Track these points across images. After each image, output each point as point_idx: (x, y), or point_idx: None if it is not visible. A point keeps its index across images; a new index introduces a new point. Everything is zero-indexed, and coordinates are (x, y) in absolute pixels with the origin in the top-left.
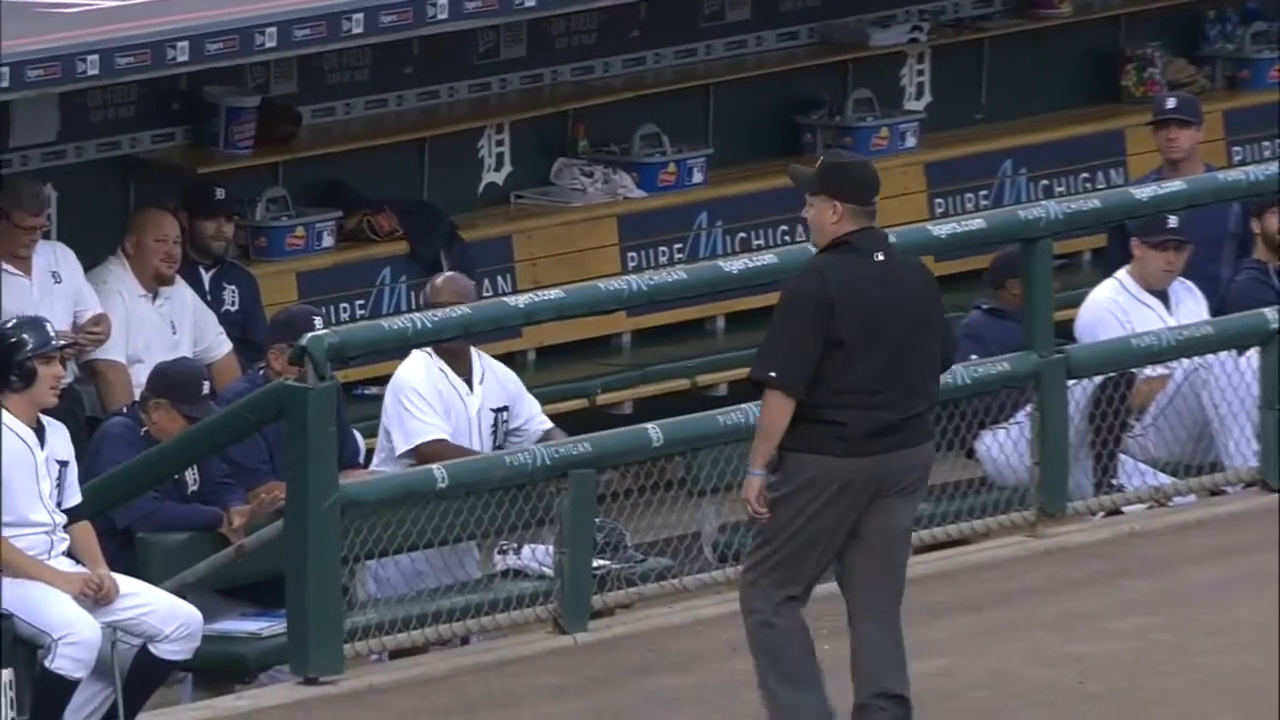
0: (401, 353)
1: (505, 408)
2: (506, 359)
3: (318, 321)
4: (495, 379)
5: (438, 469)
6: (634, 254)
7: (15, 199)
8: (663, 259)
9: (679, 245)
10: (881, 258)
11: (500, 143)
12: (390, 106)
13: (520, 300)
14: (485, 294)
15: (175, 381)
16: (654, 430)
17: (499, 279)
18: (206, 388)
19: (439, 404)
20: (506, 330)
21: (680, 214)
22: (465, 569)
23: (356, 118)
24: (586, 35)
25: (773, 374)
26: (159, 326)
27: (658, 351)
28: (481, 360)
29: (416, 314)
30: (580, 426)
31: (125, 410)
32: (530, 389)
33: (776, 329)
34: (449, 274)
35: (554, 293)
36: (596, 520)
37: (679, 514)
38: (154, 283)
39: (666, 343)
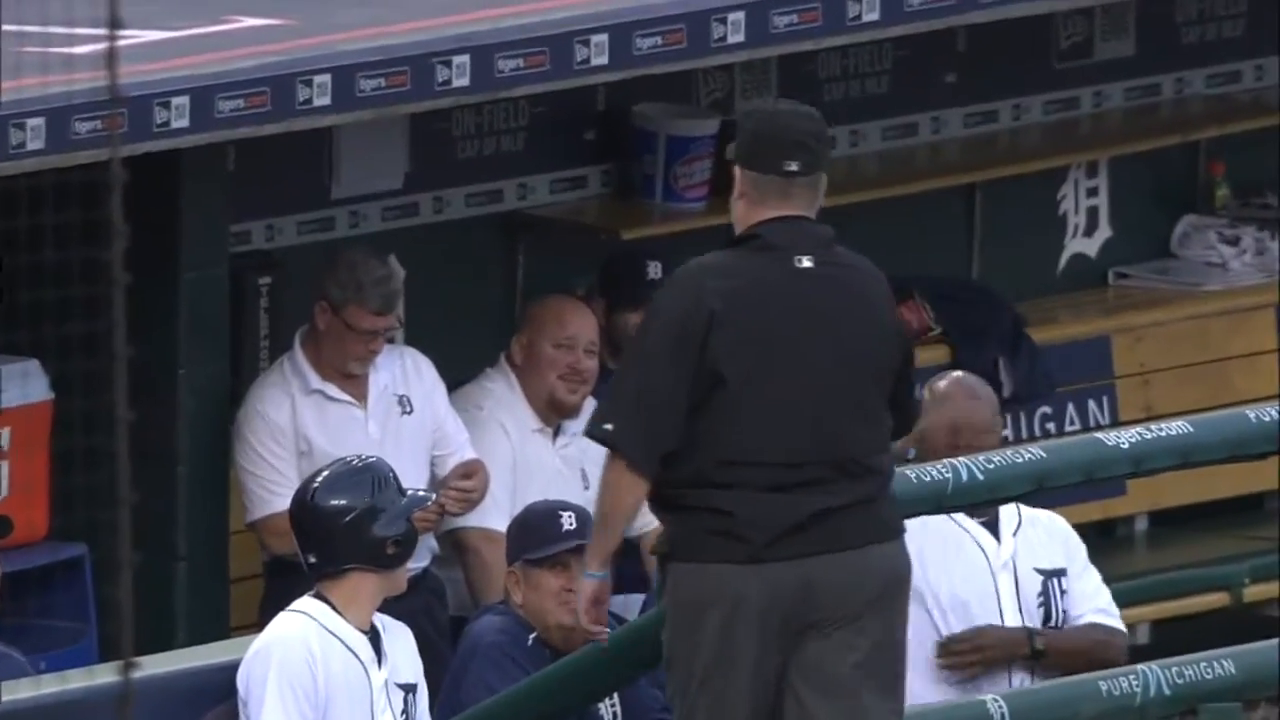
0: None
1: None
2: (1105, 528)
3: None
4: None
5: (993, 701)
6: None
7: (353, 289)
8: None
9: None
10: (808, 264)
11: (1093, 191)
12: (921, 136)
13: (1124, 436)
14: (1070, 426)
15: (524, 527)
16: None
17: (1089, 402)
18: (570, 521)
19: None
20: (1104, 483)
21: None
22: None
23: (867, 153)
24: (1230, 23)
25: (608, 426)
26: (562, 476)
27: None
28: None
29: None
30: (1219, 634)
31: (505, 605)
32: (1140, 573)
33: (625, 363)
34: (956, 375)
35: (1177, 425)
36: None
37: None
38: (555, 410)
39: None
